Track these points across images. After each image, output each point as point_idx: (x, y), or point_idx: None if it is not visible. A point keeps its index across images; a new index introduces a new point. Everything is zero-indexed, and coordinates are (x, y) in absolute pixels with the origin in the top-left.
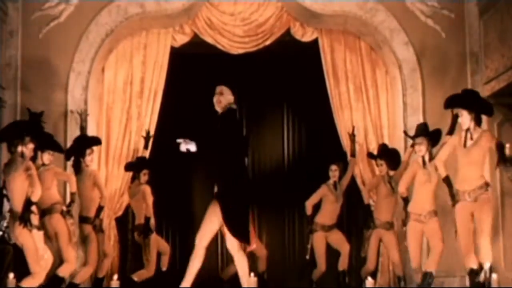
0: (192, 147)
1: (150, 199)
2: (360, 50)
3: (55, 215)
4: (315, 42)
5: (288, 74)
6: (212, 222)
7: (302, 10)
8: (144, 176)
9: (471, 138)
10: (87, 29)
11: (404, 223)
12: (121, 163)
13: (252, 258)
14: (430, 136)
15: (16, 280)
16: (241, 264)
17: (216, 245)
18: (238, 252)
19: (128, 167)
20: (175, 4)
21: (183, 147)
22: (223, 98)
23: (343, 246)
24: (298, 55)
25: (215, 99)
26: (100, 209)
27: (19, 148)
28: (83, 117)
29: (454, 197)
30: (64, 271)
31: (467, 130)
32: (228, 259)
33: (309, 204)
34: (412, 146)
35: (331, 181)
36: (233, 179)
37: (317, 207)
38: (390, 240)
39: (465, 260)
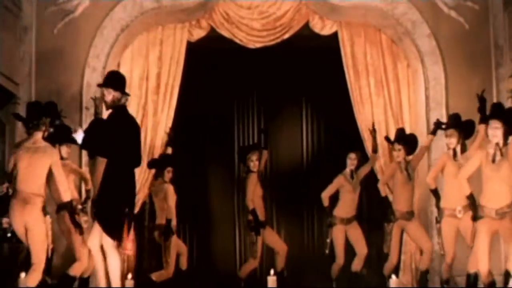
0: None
1: (173, 199)
2: (380, 43)
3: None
4: (334, 35)
5: (307, 69)
6: None
7: (321, 3)
8: (168, 174)
9: (501, 153)
10: (102, 24)
11: (438, 219)
12: None
13: (271, 255)
14: (462, 127)
15: None
16: (112, 263)
17: (234, 244)
18: (111, 250)
19: (152, 164)
20: None
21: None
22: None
23: (360, 246)
24: (317, 49)
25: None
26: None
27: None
28: (97, 102)
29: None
30: (75, 270)
31: (497, 144)
32: (246, 258)
33: (325, 195)
34: (433, 133)
35: (347, 170)
36: (107, 180)
37: (335, 200)
38: (415, 229)
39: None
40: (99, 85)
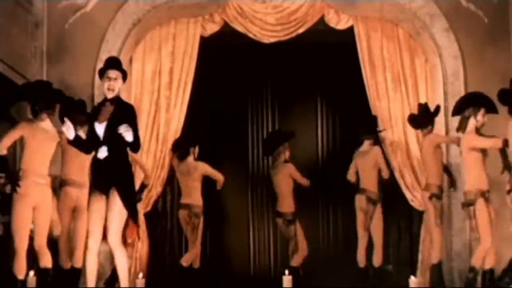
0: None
1: (214, 171)
2: (397, 38)
3: None
4: (350, 30)
5: (321, 64)
6: None
7: None
8: (195, 152)
9: None
10: (114, 19)
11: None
12: (149, 156)
13: (286, 252)
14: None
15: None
16: (120, 260)
17: (248, 242)
18: (119, 248)
19: (177, 145)
20: None
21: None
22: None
23: (378, 235)
24: (332, 44)
25: (108, 85)
26: (143, 187)
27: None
28: None
29: None
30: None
31: None
32: (260, 255)
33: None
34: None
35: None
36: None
37: None
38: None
39: None
40: (121, 70)
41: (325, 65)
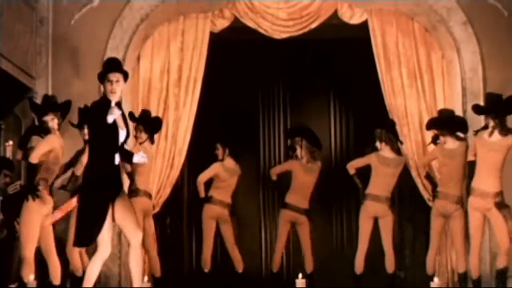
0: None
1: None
2: (413, 32)
3: None
4: (364, 24)
5: (335, 60)
6: None
7: None
8: (220, 151)
9: None
10: (121, 14)
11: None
12: (157, 156)
13: (299, 257)
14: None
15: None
16: (140, 261)
17: (260, 244)
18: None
19: None
20: None
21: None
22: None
23: (388, 240)
24: (346, 39)
25: (110, 88)
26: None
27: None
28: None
29: None
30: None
31: None
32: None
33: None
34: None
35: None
36: None
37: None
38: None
39: None
40: (122, 71)
41: (338, 61)
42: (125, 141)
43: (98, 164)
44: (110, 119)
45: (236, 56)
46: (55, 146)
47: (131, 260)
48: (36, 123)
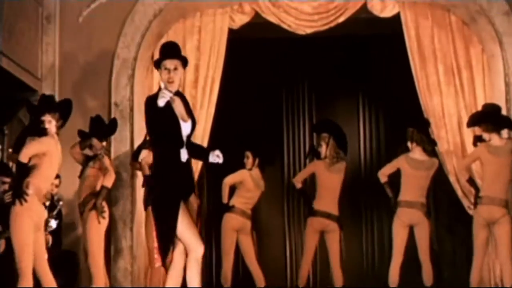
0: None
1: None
2: (450, 25)
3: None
4: (396, 17)
5: (364, 56)
6: None
7: None
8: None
9: None
10: (133, 10)
11: None
12: None
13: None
14: None
15: None
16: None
17: (284, 257)
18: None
19: None
20: None
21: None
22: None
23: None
24: (376, 34)
25: (168, 77)
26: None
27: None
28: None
29: None
30: None
31: None
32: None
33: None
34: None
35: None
36: None
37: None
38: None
39: None
40: (180, 57)
41: (368, 58)
42: (190, 135)
43: (161, 164)
44: (161, 102)
45: (256, 54)
46: (50, 149)
47: (190, 274)
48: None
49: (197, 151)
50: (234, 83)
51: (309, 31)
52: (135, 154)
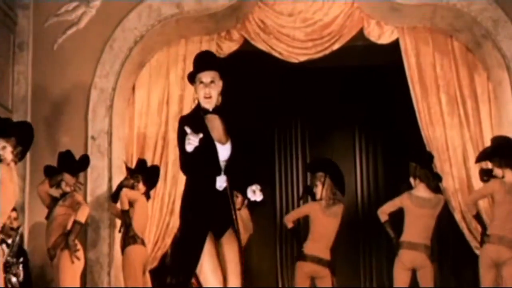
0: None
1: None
2: (452, 52)
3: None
4: (395, 44)
5: (361, 86)
6: None
7: (378, 3)
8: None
9: None
10: (112, 36)
11: None
12: (155, 200)
13: None
14: None
15: None
16: None
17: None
18: None
19: None
20: (220, 2)
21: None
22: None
23: None
24: (374, 61)
25: (204, 92)
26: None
27: None
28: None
29: None
30: None
31: None
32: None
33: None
34: None
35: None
36: None
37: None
38: None
39: None
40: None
41: (365, 88)
42: (230, 159)
43: (192, 192)
44: (189, 148)
45: (246, 84)
46: (4, 178)
47: None
48: None
49: (236, 181)
50: (222, 116)
51: (302, 59)
52: (114, 195)
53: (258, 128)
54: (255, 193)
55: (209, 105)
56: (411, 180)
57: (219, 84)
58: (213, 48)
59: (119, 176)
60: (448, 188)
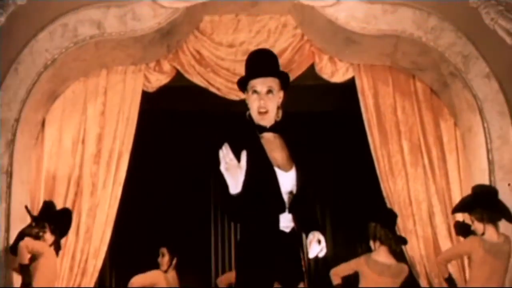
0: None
1: None
2: (415, 93)
3: None
4: (350, 83)
5: (309, 132)
6: None
7: (331, 34)
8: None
9: None
10: (17, 59)
11: None
12: (65, 258)
13: None
14: None
15: None
16: None
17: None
18: None
19: None
20: (147, 23)
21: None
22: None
23: None
24: (326, 103)
25: (258, 105)
26: None
27: None
28: None
29: None
30: None
31: None
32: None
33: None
34: None
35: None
36: None
37: None
38: None
39: None
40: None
41: (314, 134)
42: (298, 191)
43: (249, 236)
44: (232, 190)
45: (177, 124)
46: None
47: None
48: None
49: (304, 221)
50: (147, 160)
51: (243, 96)
52: (13, 246)
53: (192, 175)
54: (320, 244)
55: (265, 121)
56: (371, 243)
57: (279, 95)
58: (140, 81)
59: (20, 226)
60: (411, 249)
